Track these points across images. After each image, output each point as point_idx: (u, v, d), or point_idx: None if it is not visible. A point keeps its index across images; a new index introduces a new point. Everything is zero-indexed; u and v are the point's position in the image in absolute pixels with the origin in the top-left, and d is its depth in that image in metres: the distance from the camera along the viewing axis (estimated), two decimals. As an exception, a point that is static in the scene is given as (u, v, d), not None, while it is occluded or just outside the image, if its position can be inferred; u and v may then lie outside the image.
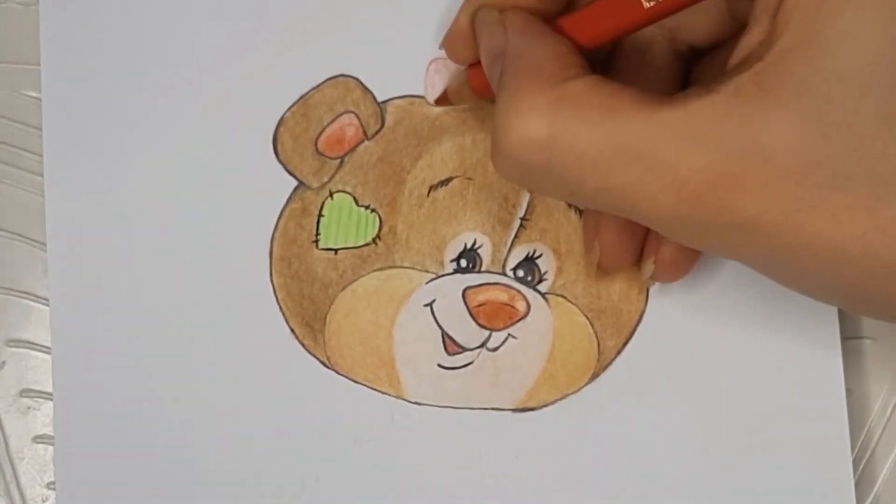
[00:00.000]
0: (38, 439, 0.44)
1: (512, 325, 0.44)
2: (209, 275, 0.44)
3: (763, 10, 0.35)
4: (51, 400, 0.43)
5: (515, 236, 0.44)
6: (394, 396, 0.44)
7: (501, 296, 0.44)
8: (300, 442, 0.43)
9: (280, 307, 0.44)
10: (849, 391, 0.44)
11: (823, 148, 0.33)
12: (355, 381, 0.44)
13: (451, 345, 0.44)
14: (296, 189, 0.45)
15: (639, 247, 0.42)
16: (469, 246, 0.44)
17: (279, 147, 0.45)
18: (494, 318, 0.44)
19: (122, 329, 0.44)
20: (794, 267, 0.35)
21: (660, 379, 0.44)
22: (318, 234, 0.44)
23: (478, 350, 0.44)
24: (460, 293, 0.44)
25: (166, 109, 0.45)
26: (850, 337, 0.45)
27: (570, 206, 0.44)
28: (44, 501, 0.44)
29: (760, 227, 0.34)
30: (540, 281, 0.44)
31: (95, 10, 0.45)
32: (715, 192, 0.34)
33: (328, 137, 0.45)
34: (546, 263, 0.44)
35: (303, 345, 0.44)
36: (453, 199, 0.44)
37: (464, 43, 0.41)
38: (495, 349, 0.44)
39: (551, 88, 0.36)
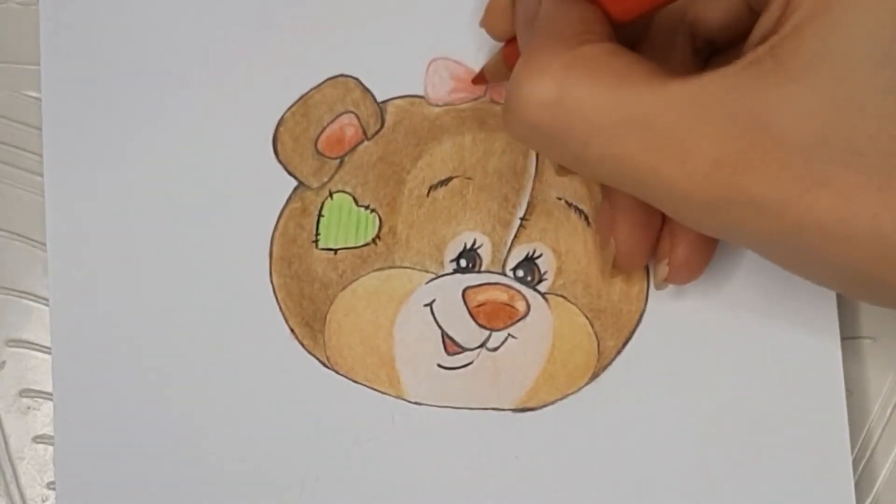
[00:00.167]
0: (38, 439, 0.44)
1: (512, 325, 0.44)
2: (209, 275, 0.44)
3: None
4: (51, 400, 0.43)
5: (515, 236, 0.44)
6: (394, 396, 0.44)
7: (501, 296, 0.44)
8: (300, 442, 0.43)
9: (280, 307, 0.44)
10: (848, 391, 0.44)
11: (834, 123, 0.32)
12: (355, 381, 0.44)
13: (450, 345, 0.44)
14: (296, 189, 0.45)
15: (653, 243, 0.41)
16: (469, 246, 0.44)
17: (279, 147, 0.45)
18: (494, 318, 0.44)
19: (122, 329, 0.44)
20: (801, 250, 0.34)
21: (660, 379, 0.44)
22: (317, 234, 0.44)
23: (478, 350, 0.44)
24: (460, 293, 0.44)
25: (166, 109, 0.45)
26: (850, 337, 0.45)
27: (570, 205, 0.44)
28: (44, 501, 0.44)
29: (767, 207, 0.33)
30: (540, 281, 0.44)
31: (95, 10, 0.45)
32: (721, 167, 0.33)
33: (328, 137, 0.45)
34: (546, 263, 0.44)
35: (302, 345, 0.44)
36: (453, 198, 0.44)
37: (503, 17, 0.41)
38: (495, 349, 0.44)
39: (566, 51, 0.35)
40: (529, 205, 0.44)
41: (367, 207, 0.44)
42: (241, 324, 0.44)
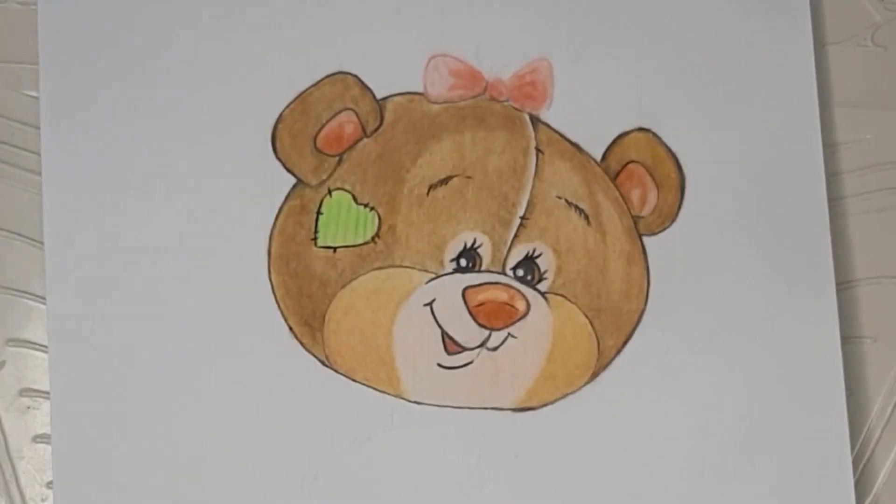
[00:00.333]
0: (38, 439, 0.44)
1: (512, 324, 0.44)
2: (207, 273, 0.44)
3: None
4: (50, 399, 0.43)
5: (515, 235, 0.44)
6: (393, 396, 0.44)
7: (501, 295, 0.44)
8: (299, 441, 0.43)
9: (279, 305, 0.44)
10: (848, 392, 0.44)
11: None
12: (354, 380, 0.44)
13: (451, 344, 0.44)
14: (294, 186, 0.44)
15: None
16: (469, 245, 0.44)
17: (278, 144, 0.45)
18: (494, 317, 0.44)
19: (120, 328, 0.44)
20: None
21: (659, 378, 0.44)
22: (316, 232, 0.44)
23: (478, 349, 0.44)
24: (460, 293, 0.44)
25: (165, 108, 0.44)
26: (850, 337, 0.45)
27: (570, 204, 0.44)
28: (43, 500, 0.44)
29: None
30: (540, 280, 0.44)
31: (94, 10, 0.45)
32: None
33: (327, 135, 0.45)
34: (546, 262, 0.44)
35: (301, 343, 0.44)
36: (453, 198, 0.44)
37: None
38: (495, 348, 0.44)
39: None
40: (529, 204, 0.44)
41: (366, 205, 0.44)
42: (240, 322, 0.44)
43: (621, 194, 0.44)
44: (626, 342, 0.44)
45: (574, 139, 0.45)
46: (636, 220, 0.44)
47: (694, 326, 0.44)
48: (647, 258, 0.44)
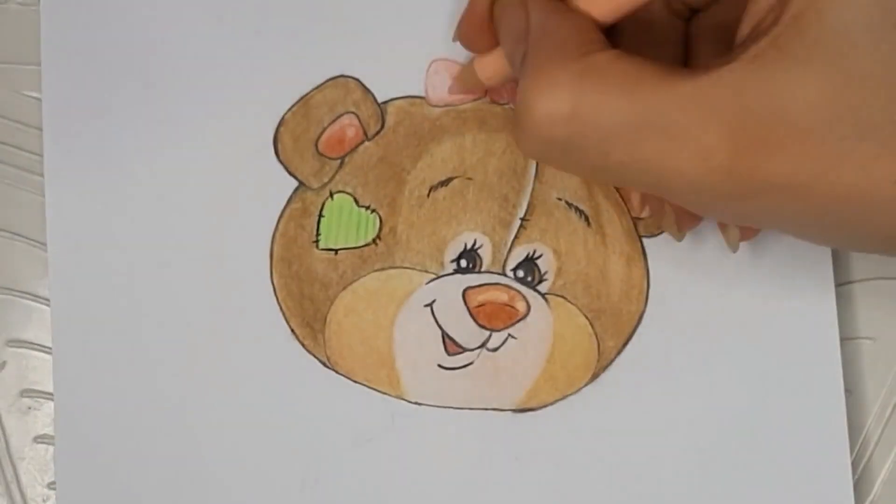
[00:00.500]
0: (39, 439, 0.44)
1: (512, 325, 0.44)
2: (210, 275, 0.44)
3: None
4: (51, 400, 0.43)
5: (515, 236, 0.44)
6: (394, 397, 0.44)
7: (501, 296, 0.44)
8: (300, 442, 0.44)
9: (280, 307, 0.44)
10: (848, 392, 0.44)
11: (844, 100, 0.33)
12: (355, 382, 0.44)
13: (451, 345, 0.44)
14: (296, 190, 0.45)
15: None
16: (469, 246, 0.44)
17: (280, 148, 0.45)
18: (494, 318, 0.44)
19: (123, 329, 0.44)
20: (828, 223, 0.35)
21: (660, 379, 0.44)
22: (318, 235, 0.44)
23: (478, 350, 0.44)
24: (460, 293, 0.44)
25: (166, 110, 0.45)
26: (849, 337, 0.45)
27: (570, 206, 0.45)
28: (45, 501, 0.44)
29: (792, 191, 0.34)
30: (540, 281, 0.44)
31: (95, 10, 0.45)
32: (742, 159, 0.34)
33: (329, 138, 0.45)
34: (546, 264, 0.44)
35: (303, 345, 0.44)
36: (453, 199, 0.44)
37: (481, 30, 0.41)
38: (495, 349, 0.44)
39: (574, 62, 0.35)
40: (530, 205, 0.44)
41: (367, 208, 0.44)
42: (242, 324, 0.44)
43: (621, 196, 0.44)
44: (626, 343, 0.44)
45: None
46: (636, 221, 0.44)
47: (694, 327, 0.44)
48: (647, 259, 0.44)
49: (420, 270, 0.44)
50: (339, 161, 0.45)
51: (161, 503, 0.43)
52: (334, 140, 0.45)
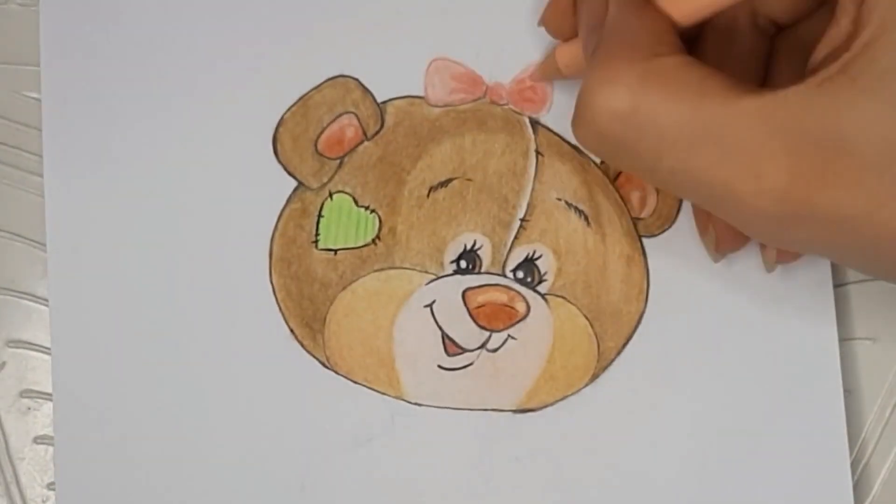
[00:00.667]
0: (39, 440, 0.44)
1: (512, 326, 0.44)
2: (209, 275, 0.44)
3: (850, 0, 0.35)
4: (51, 400, 0.43)
5: (515, 237, 0.44)
6: (393, 397, 0.44)
7: (501, 297, 0.44)
8: (300, 442, 0.44)
9: (280, 307, 0.44)
10: (847, 392, 0.44)
11: None
12: (355, 382, 0.44)
13: (451, 346, 0.44)
14: (295, 190, 0.45)
15: None
16: (469, 247, 0.44)
17: (279, 148, 0.45)
18: (494, 319, 0.44)
19: (122, 329, 0.44)
20: (874, 257, 0.35)
21: (659, 380, 0.44)
22: (317, 235, 0.44)
23: (478, 351, 0.44)
24: (460, 294, 0.44)
25: (166, 110, 0.45)
26: (848, 338, 0.45)
27: (570, 206, 0.45)
28: (44, 502, 0.44)
29: (842, 222, 0.34)
30: (540, 282, 0.44)
31: (95, 10, 0.45)
32: (796, 185, 0.34)
33: (328, 138, 0.45)
34: (546, 264, 0.44)
35: (302, 345, 0.44)
36: (453, 200, 0.44)
37: (565, 17, 0.41)
38: (495, 350, 0.44)
39: (641, 62, 0.35)
40: (529, 206, 0.44)
41: (367, 208, 0.44)
42: (241, 324, 0.44)
43: (621, 196, 0.44)
44: (626, 344, 0.44)
45: (574, 141, 0.45)
46: (636, 221, 0.44)
47: (694, 327, 0.44)
48: (647, 259, 0.44)
49: (420, 271, 0.44)
50: (338, 161, 0.45)
51: (160, 503, 0.43)
52: (333, 140, 0.45)
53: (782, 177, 0.34)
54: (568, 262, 0.44)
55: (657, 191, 0.45)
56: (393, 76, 0.45)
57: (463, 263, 0.44)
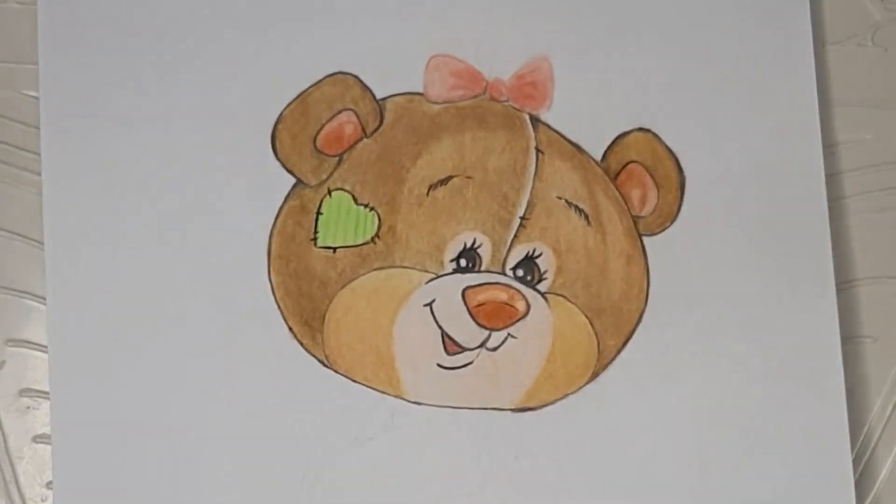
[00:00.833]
0: (38, 439, 0.44)
1: (512, 324, 0.44)
2: (207, 273, 0.44)
3: None
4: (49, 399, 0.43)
5: (515, 235, 0.44)
6: (393, 396, 0.44)
7: (501, 295, 0.44)
8: (299, 441, 0.43)
9: (278, 305, 0.44)
10: (849, 391, 0.44)
11: None
12: (354, 381, 0.44)
13: (450, 344, 0.44)
14: (294, 187, 0.44)
15: None
16: (469, 245, 0.44)
17: (278, 145, 0.44)
18: (494, 317, 0.44)
19: (120, 328, 0.44)
20: None
21: (659, 378, 0.44)
22: (316, 232, 0.44)
23: (477, 350, 0.44)
24: (460, 293, 0.44)
25: (164, 108, 0.44)
26: (850, 337, 0.45)
27: (569, 204, 0.44)
28: (43, 501, 0.44)
29: None
30: (540, 280, 0.44)
31: (93, 9, 0.45)
32: None
33: (327, 135, 0.45)
34: (546, 263, 0.44)
35: (301, 343, 0.44)
36: (453, 198, 0.44)
37: None
38: (495, 349, 0.44)
39: None
40: (529, 204, 0.44)
41: (366, 205, 0.44)
42: (240, 322, 0.44)
43: (621, 194, 0.44)
44: (626, 342, 0.44)
45: (574, 139, 0.45)
46: (636, 220, 0.44)
47: (694, 326, 0.44)
48: (647, 258, 0.44)
49: (420, 270, 0.44)
50: (337, 158, 0.45)
51: (159, 502, 0.43)
52: (332, 137, 0.45)
53: None
54: (568, 261, 0.44)
55: (658, 189, 0.44)
56: (392, 73, 0.45)
57: (463, 262, 0.44)
